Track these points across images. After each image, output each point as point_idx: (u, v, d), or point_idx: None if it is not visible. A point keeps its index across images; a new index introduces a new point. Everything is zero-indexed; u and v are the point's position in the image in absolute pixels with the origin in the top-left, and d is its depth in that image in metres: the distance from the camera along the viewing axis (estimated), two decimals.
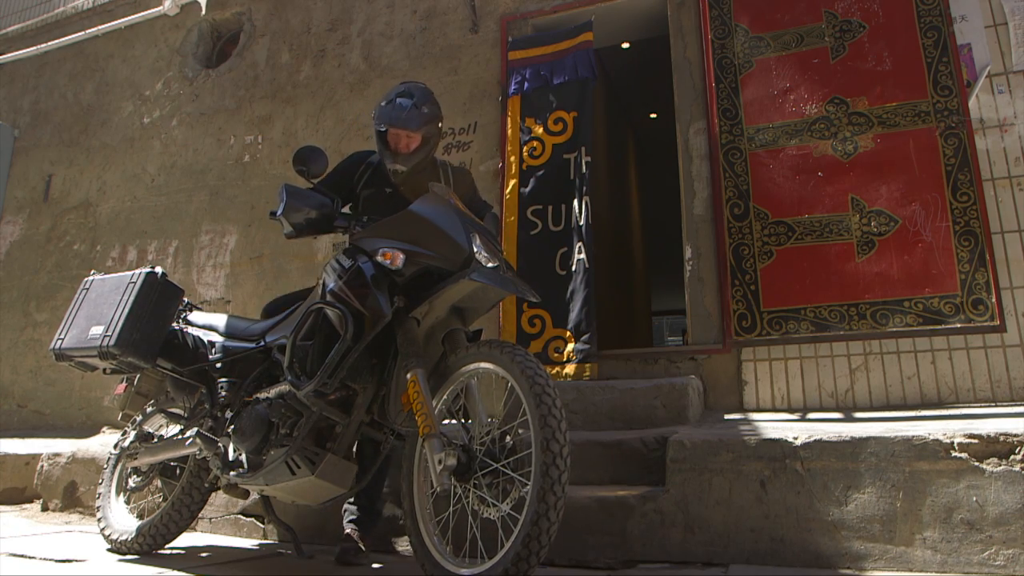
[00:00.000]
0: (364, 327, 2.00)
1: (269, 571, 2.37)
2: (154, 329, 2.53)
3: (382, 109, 2.45)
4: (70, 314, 2.65)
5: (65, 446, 3.78)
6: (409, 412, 1.98)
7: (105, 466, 2.88)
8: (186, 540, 2.82)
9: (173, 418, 2.70)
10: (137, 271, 2.61)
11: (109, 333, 2.45)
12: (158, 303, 2.56)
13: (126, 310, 2.48)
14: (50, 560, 2.45)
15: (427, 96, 2.47)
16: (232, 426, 2.28)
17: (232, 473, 2.27)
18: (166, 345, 2.57)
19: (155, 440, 2.76)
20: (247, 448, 2.21)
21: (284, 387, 2.15)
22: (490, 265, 2.02)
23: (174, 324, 2.66)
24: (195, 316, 2.75)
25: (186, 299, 2.78)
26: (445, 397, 2.05)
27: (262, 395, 2.28)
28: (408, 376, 1.93)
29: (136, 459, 2.72)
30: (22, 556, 2.50)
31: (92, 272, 2.81)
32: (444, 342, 2.12)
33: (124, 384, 2.77)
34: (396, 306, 2.03)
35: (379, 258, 2.05)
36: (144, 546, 2.54)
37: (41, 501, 3.64)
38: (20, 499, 3.82)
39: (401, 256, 2.02)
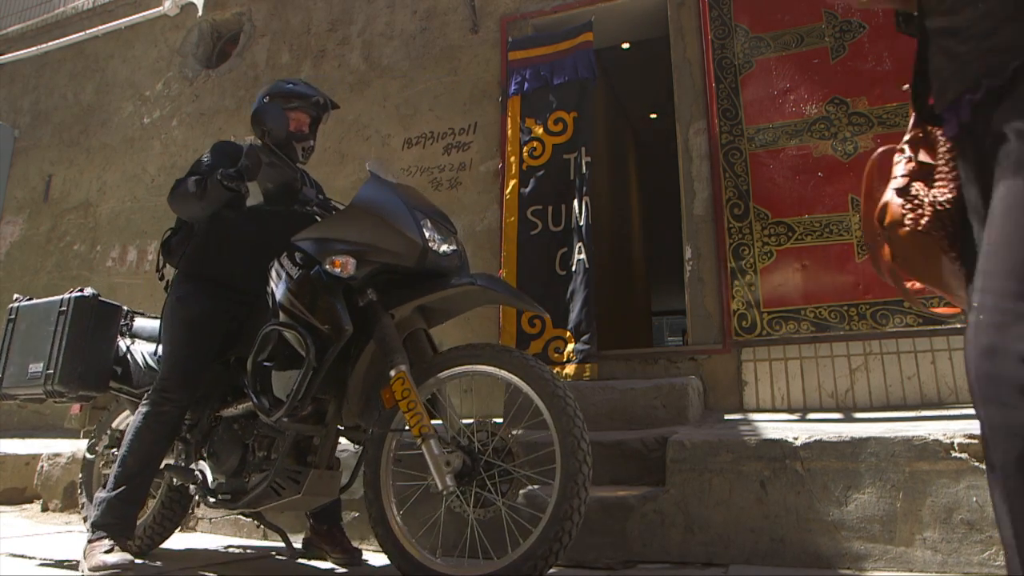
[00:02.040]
0: (326, 344, 1.92)
1: (267, 571, 2.37)
2: (98, 356, 2.38)
3: (283, 89, 2.39)
4: (2, 349, 2.45)
5: (65, 446, 3.78)
6: (382, 409, 1.93)
7: (81, 473, 2.74)
8: (186, 540, 2.82)
9: None
10: (66, 296, 2.41)
11: (51, 371, 2.29)
12: (97, 328, 2.38)
13: (64, 343, 2.30)
14: (50, 560, 2.45)
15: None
16: (205, 450, 2.22)
17: (214, 500, 2.18)
18: (115, 365, 2.44)
19: None
20: (225, 473, 2.16)
21: (251, 404, 2.08)
22: (444, 249, 1.96)
23: (120, 341, 2.50)
24: (139, 325, 2.59)
25: (125, 308, 2.62)
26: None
27: (229, 412, 2.21)
28: (393, 372, 1.85)
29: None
30: (22, 556, 2.50)
31: (16, 297, 2.60)
32: (405, 342, 2.02)
33: (79, 404, 2.65)
34: (369, 299, 1.96)
35: (328, 267, 1.95)
36: (139, 548, 2.51)
37: (41, 501, 3.64)
38: (20, 499, 3.82)
39: (352, 262, 1.92)
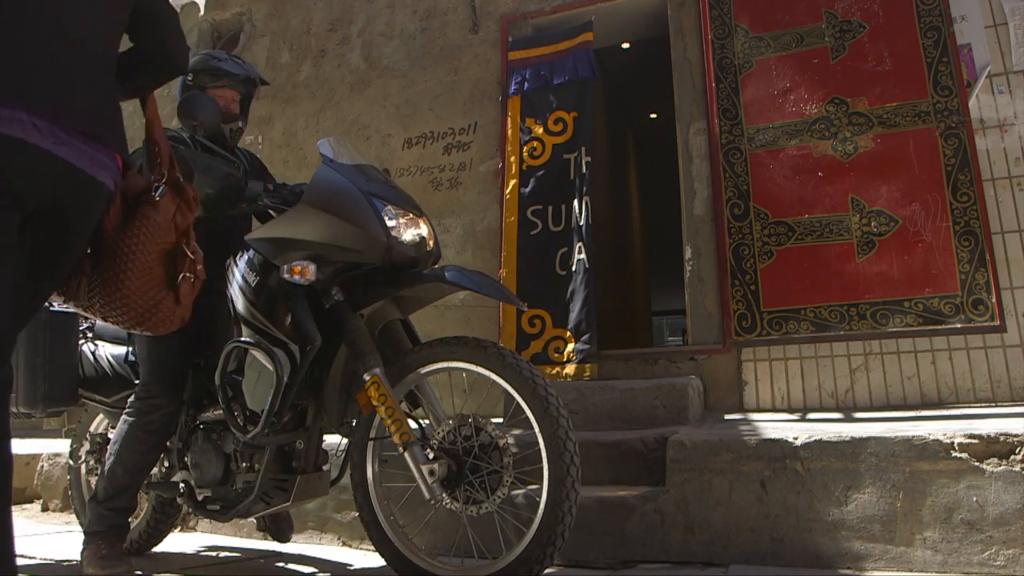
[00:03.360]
0: (295, 357, 1.84)
1: (261, 572, 2.36)
2: (62, 370, 2.28)
3: (208, 65, 2.24)
4: None
5: (65, 446, 3.77)
6: (360, 414, 1.89)
7: (69, 475, 2.69)
8: (185, 541, 2.82)
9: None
10: None
11: (13, 393, 2.13)
12: (55, 340, 2.28)
13: (21, 363, 2.21)
14: (50, 560, 2.45)
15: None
16: (187, 459, 2.17)
17: (202, 512, 2.15)
18: (82, 373, 2.35)
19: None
20: (210, 484, 2.11)
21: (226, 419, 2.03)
22: (410, 236, 1.86)
23: (84, 347, 2.41)
24: (102, 324, 2.43)
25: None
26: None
27: (208, 417, 2.15)
28: (367, 377, 1.77)
29: (97, 473, 2.47)
30: (22, 556, 2.50)
31: None
32: (380, 335, 1.97)
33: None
34: (335, 300, 1.86)
35: (286, 275, 1.85)
36: (135, 549, 2.50)
37: (41, 501, 3.64)
38: (20, 499, 3.82)
39: (312, 267, 1.83)
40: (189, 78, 2.27)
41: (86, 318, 2.50)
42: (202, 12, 5.32)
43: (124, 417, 2.13)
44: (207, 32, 5.61)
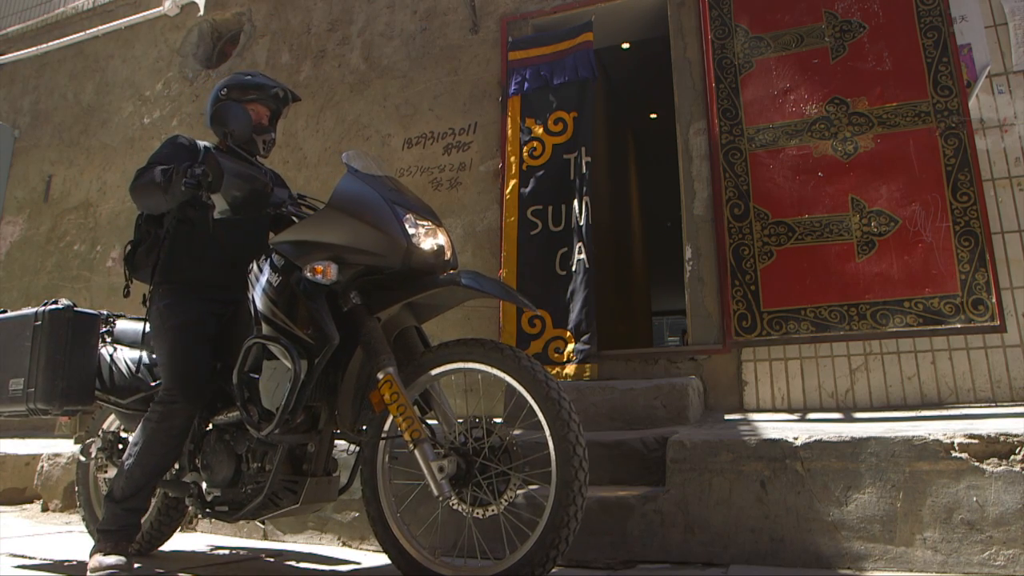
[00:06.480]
0: (313, 355, 1.87)
1: (263, 572, 2.37)
2: (80, 370, 2.32)
3: (241, 81, 2.32)
4: None
5: (65, 446, 3.78)
6: (372, 413, 1.91)
7: (77, 472, 2.72)
8: (185, 541, 2.82)
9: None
10: (40, 308, 2.34)
11: (32, 388, 2.24)
12: (76, 340, 2.32)
13: (42, 359, 2.26)
14: (50, 560, 2.46)
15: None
16: (198, 460, 2.19)
17: (210, 511, 2.16)
18: (99, 375, 2.38)
19: (120, 446, 2.53)
20: (220, 485, 2.12)
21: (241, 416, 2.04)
22: (429, 245, 1.89)
23: (102, 349, 2.44)
24: (121, 328, 2.54)
25: (105, 312, 2.58)
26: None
27: (221, 420, 2.17)
28: (380, 376, 1.80)
29: (107, 471, 2.53)
30: (22, 556, 2.50)
31: None
32: (395, 341, 2.00)
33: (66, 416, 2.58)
34: (353, 303, 1.89)
35: (308, 274, 1.89)
36: (138, 549, 2.51)
37: (41, 501, 3.64)
38: (20, 499, 3.82)
39: (334, 267, 1.87)
40: (223, 92, 2.32)
41: (106, 321, 2.54)
42: (201, 12, 5.31)
43: (146, 419, 2.14)
44: (207, 32, 5.62)
